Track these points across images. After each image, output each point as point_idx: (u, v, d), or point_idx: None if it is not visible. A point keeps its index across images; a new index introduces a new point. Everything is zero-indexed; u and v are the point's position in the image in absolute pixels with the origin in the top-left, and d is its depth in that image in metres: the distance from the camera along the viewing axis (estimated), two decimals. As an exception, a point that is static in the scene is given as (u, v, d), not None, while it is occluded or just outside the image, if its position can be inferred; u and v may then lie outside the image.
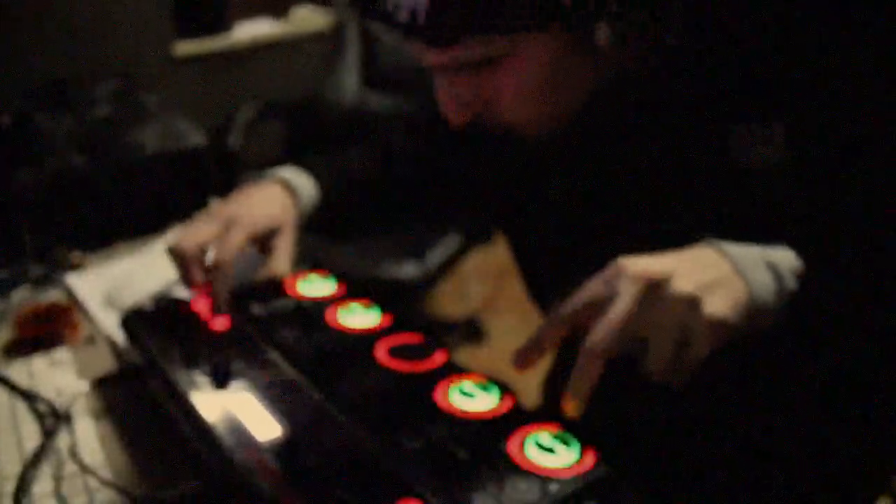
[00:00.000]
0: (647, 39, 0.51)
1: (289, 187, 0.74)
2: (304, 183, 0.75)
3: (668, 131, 0.56)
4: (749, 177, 0.53)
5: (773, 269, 0.47)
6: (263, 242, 0.72)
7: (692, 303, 0.45)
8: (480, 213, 0.89)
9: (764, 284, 0.47)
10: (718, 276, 0.46)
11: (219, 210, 0.71)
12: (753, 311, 0.46)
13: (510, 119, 0.56)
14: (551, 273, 0.69)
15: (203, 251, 0.68)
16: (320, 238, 0.80)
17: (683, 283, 0.45)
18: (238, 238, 0.68)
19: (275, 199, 0.73)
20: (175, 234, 0.69)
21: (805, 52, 0.51)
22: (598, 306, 0.46)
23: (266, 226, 0.70)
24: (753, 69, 0.52)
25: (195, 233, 0.69)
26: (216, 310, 0.66)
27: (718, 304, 0.45)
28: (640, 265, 0.46)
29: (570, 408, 0.47)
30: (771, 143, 0.52)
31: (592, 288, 0.47)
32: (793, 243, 0.50)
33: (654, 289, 0.45)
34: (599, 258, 0.50)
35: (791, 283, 0.48)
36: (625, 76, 0.54)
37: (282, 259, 0.70)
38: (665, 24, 0.50)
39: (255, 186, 0.74)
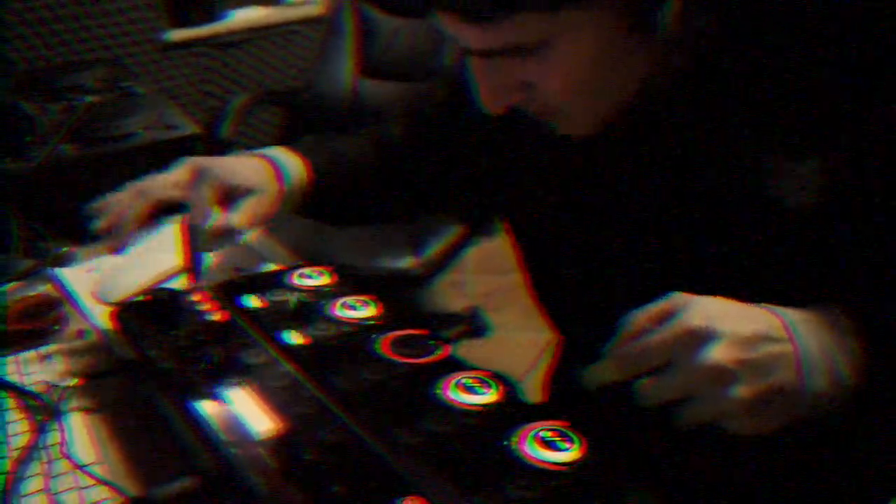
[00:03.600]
0: (695, 33, 0.48)
1: (274, 164, 0.71)
2: (292, 163, 0.73)
3: (703, 154, 0.54)
4: (783, 214, 0.50)
5: (834, 374, 0.45)
6: (231, 203, 0.67)
7: (748, 409, 0.43)
8: (482, 202, 0.86)
9: (821, 392, 0.45)
10: (782, 381, 0.44)
11: (190, 160, 0.68)
12: (800, 414, 0.45)
13: (555, 110, 0.52)
14: (556, 269, 0.68)
15: (161, 198, 0.65)
16: (317, 228, 0.78)
17: (747, 390, 0.43)
18: (208, 194, 0.65)
19: (257, 169, 0.70)
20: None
21: (841, 85, 0.49)
22: (657, 360, 0.44)
23: (240, 184, 0.67)
24: (789, 100, 0.50)
25: (162, 177, 0.66)
26: (196, 278, 0.65)
27: (771, 419, 0.44)
28: (715, 351, 0.43)
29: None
30: (804, 182, 0.49)
31: (658, 342, 0.44)
32: (827, 284, 0.48)
33: (718, 377, 0.43)
34: (613, 265, 0.47)
35: (847, 383, 0.46)
36: (670, 74, 0.51)
37: (242, 213, 0.66)
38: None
39: (239, 156, 0.72)
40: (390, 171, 0.78)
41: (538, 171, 0.65)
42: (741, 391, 0.43)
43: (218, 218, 0.66)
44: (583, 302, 0.67)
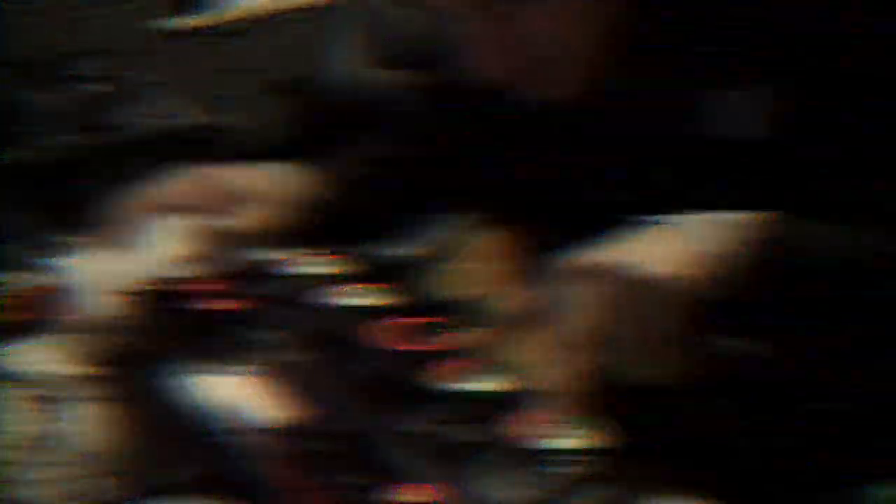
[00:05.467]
0: None
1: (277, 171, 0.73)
2: (292, 173, 0.74)
3: (645, 96, 0.54)
4: (728, 148, 0.51)
5: (719, 221, 0.46)
6: (237, 208, 0.69)
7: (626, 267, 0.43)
8: (474, 205, 0.89)
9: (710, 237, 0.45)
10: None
11: (195, 165, 0.70)
12: (703, 259, 0.44)
13: (545, 65, 0.54)
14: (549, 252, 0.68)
15: (167, 203, 0.68)
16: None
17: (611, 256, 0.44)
18: (214, 200, 0.67)
19: (261, 176, 0.72)
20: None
21: (784, 15, 0.49)
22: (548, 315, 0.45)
23: (246, 189, 0.69)
24: (730, 32, 0.51)
25: (168, 182, 0.68)
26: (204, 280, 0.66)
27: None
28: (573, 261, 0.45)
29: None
30: (748, 113, 0.50)
31: (537, 297, 0.47)
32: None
33: (591, 277, 0.44)
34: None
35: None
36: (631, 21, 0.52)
37: (248, 218, 0.68)
38: None
39: (243, 163, 0.74)
40: (384, 187, 0.79)
41: (516, 153, 0.67)
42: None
43: (224, 223, 0.68)
44: None
